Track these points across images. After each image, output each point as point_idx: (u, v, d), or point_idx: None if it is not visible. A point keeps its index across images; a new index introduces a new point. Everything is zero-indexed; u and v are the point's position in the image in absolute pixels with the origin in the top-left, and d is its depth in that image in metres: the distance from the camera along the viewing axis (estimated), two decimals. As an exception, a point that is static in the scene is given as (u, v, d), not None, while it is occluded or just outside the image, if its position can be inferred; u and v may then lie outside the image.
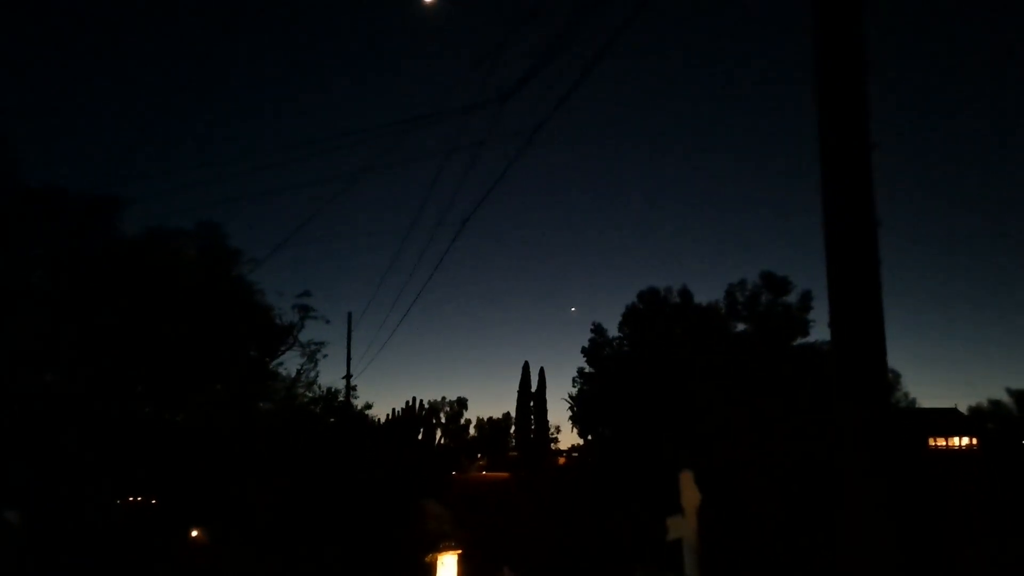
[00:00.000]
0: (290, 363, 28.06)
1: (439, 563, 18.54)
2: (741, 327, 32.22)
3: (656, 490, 17.18)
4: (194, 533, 20.08)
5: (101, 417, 18.54)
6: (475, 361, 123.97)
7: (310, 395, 28.82)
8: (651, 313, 34.04)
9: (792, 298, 31.58)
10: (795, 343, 30.73)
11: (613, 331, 36.52)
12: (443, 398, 77.07)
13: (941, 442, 45.78)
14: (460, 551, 19.17)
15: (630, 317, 35.20)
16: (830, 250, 5.13)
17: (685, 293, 34.38)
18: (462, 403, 78.33)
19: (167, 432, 20.80)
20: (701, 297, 34.32)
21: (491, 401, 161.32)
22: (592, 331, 37.45)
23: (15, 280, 17.95)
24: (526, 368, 67.42)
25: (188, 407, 22.07)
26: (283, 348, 26.77)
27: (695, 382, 27.21)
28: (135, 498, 21.03)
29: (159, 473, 19.65)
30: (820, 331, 31.02)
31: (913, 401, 45.79)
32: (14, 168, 17.41)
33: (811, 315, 31.01)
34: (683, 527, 7.24)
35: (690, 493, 7.33)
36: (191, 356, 20.26)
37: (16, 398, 17.70)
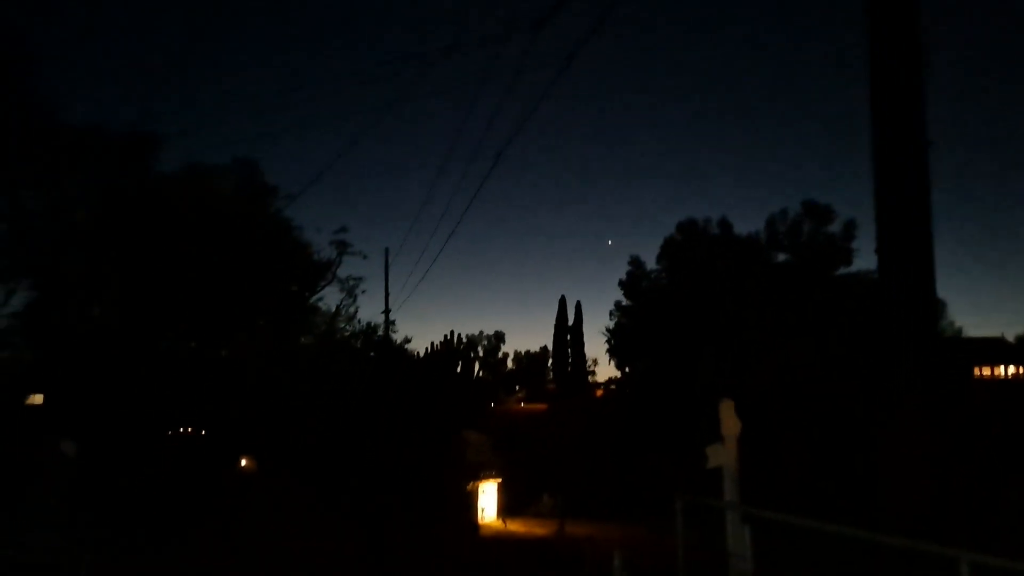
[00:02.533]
0: (329, 299, 28.55)
1: (480, 490, 19.03)
2: (782, 257, 31.81)
3: (694, 420, 17.24)
4: (243, 462, 20.74)
5: (149, 352, 19.05)
6: (512, 295, 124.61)
7: (350, 330, 29.30)
8: (690, 245, 33.68)
9: (835, 227, 31.08)
10: (837, 273, 30.30)
11: (651, 264, 36.33)
12: (481, 332, 77.85)
13: (987, 371, 45.15)
14: (500, 479, 19.61)
15: (668, 249, 34.88)
16: (878, 172, 4.93)
17: (725, 224, 33.90)
18: (499, 337, 79.06)
19: (212, 367, 21.32)
20: (741, 228, 33.87)
21: (528, 335, 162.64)
22: (630, 264, 37.29)
23: (61, 219, 18.28)
24: (563, 302, 67.62)
25: (231, 342, 22.56)
26: (322, 284, 27.10)
27: (734, 313, 27.01)
28: (186, 429, 21.73)
29: (207, 406, 20.23)
30: (863, 260, 30.56)
31: (959, 330, 45.06)
32: (54, 107, 17.55)
33: (854, 244, 30.59)
34: (723, 455, 7.26)
35: (730, 422, 7.31)
36: (232, 292, 20.60)
37: (68, 334, 18.21)
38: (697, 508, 6.66)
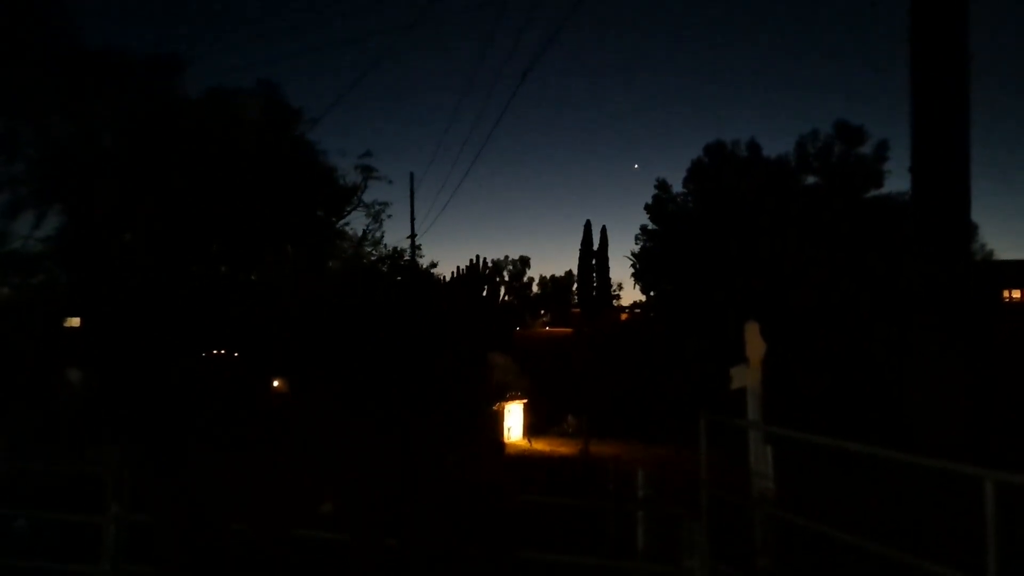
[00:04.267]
0: (356, 224, 28.60)
1: (506, 411, 19.40)
2: (812, 180, 31.27)
3: (718, 342, 17.30)
4: (275, 383, 21.26)
5: (180, 275, 19.37)
6: (537, 220, 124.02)
7: (376, 254, 29.51)
8: (717, 167, 33.14)
9: (867, 149, 30.42)
10: (868, 195, 29.80)
11: (677, 187, 35.84)
12: (506, 256, 77.97)
13: (1016, 295, 44.54)
14: (526, 400, 19.96)
15: (695, 172, 34.36)
16: (916, 85, 4.77)
17: (753, 146, 33.23)
18: (525, 261, 79.15)
19: (243, 290, 21.66)
20: (770, 150, 33.18)
21: (553, 259, 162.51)
22: (656, 187, 36.81)
23: (88, 144, 18.38)
24: (588, 226, 67.30)
25: (261, 266, 22.84)
26: (348, 209, 27.19)
27: (762, 235, 26.77)
28: (218, 351, 22.22)
29: (239, 329, 20.63)
30: (895, 182, 29.99)
31: (990, 253, 44.29)
32: (78, 32, 17.45)
33: (887, 166, 30.00)
34: (747, 376, 7.29)
35: (755, 343, 7.32)
36: (260, 216, 20.75)
37: (100, 259, 18.52)
38: (721, 430, 6.74)
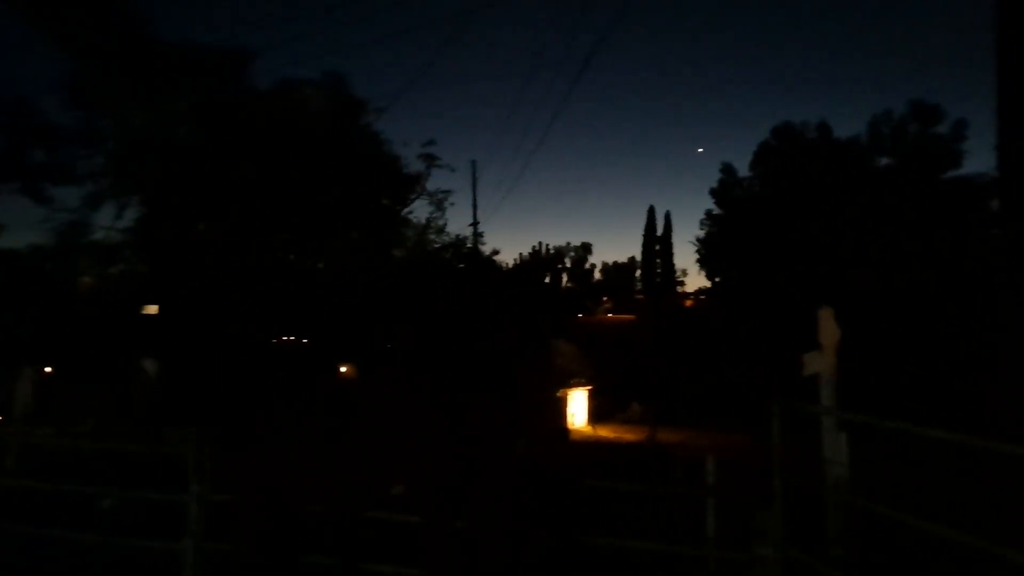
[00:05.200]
0: (419, 212, 28.86)
1: (570, 397, 19.38)
2: (885, 161, 30.29)
3: (787, 328, 16.94)
4: (343, 369, 21.69)
5: (251, 264, 19.89)
6: (600, 206, 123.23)
7: (440, 242, 29.75)
8: (786, 150, 32.34)
9: (944, 128, 29.31)
10: (945, 176, 28.71)
11: (743, 171, 35.18)
12: (568, 243, 77.72)
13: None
14: (590, 387, 19.90)
15: (762, 155, 33.62)
16: (1002, 56, 4.56)
17: (823, 127, 32.31)
18: (587, 248, 78.80)
19: (311, 278, 22.13)
20: (841, 131, 32.27)
21: (616, 246, 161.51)
22: (721, 172, 36.19)
23: (163, 135, 19.02)
24: (651, 211, 66.55)
25: (328, 254, 23.27)
26: (412, 197, 27.44)
27: (832, 218, 26.06)
28: (288, 338, 22.75)
29: (307, 316, 21.09)
30: (974, 162, 28.84)
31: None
32: (152, 26, 18.04)
33: (964, 145, 28.86)
34: (820, 362, 7.12)
35: (829, 329, 7.14)
36: (327, 205, 21.13)
37: (176, 248, 19.16)
38: (792, 417, 6.60)
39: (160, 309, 20.73)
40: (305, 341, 22.64)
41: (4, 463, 9.01)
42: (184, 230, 19.81)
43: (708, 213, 37.46)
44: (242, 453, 4.46)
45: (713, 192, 36.58)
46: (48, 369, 14.91)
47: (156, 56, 17.62)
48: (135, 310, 20.84)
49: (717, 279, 38.52)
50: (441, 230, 29.06)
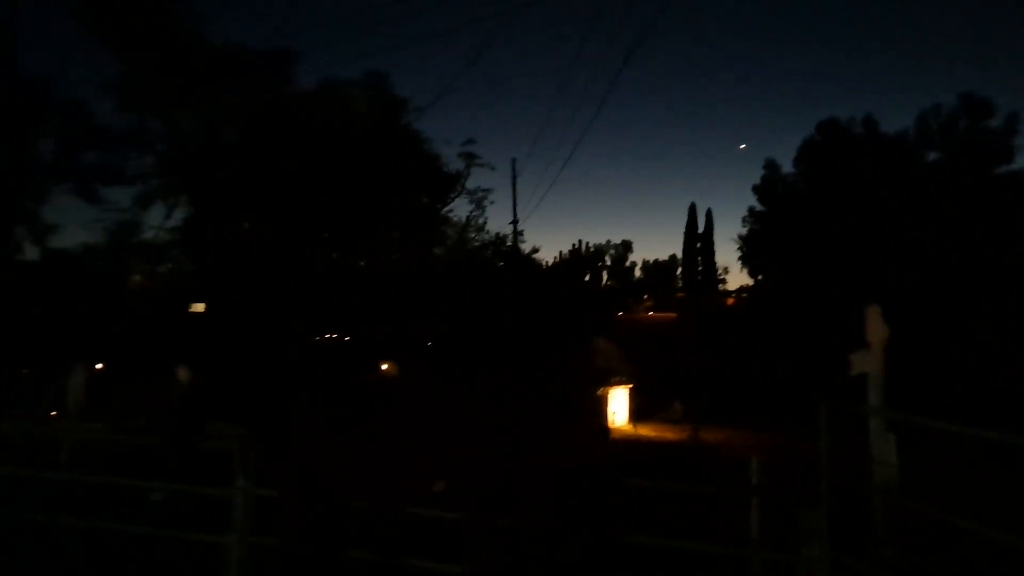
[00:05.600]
0: (459, 210, 28.96)
1: (611, 396, 19.25)
2: (934, 156, 29.58)
3: (834, 327, 16.62)
4: (384, 366, 21.87)
5: (295, 262, 20.16)
6: (640, 204, 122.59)
7: (479, 240, 29.82)
8: (831, 145, 31.77)
9: (995, 122, 28.56)
10: (996, 171, 27.95)
11: (787, 167, 34.66)
12: (608, 241, 77.46)
13: None
14: (631, 385, 19.75)
15: (807, 151, 33.07)
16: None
17: (870, 122, 31.68)
18: (627, 246, 78.42)
19: (353, 275, 22.36)
20: (888, 126, 31.65)
21: (656, 243, 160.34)
22: (764, 168, 35.69)
23: (210, 136, 19.40)
24: (692, 209, 65.90)
25: (369, 252, 23.50)
26: (452, 195, 27.55)
27: (878, 215, 25.53)
28: (330, 335, 23.02)
29: (349, 313, 21.31)
30: (1027, 157, 28.05)
31: None
32: (200, 29, 18.38)
33: (1017, 140, 28.10)
34: (868, 361, 6.97)
35: (877, 327, 6.99)
36: (369, 204, 21.34)
37: (222, 247, 19.51)
38: (839, 417, 6.50)
39: (206, 307, 21.13)
40: (347, 339, 22.88)
41: (58, 457, 9.27)
42: (229, 229, 20.17)
43: (751, 210, 37.00)
44: (286, 449, 4.52)
45: (756, 189, 36.11)
46: (99, 366, 15.27)
47: (204, 58, 17.97)
48: (183, 308, 21.28)
49: (760, 277, 38.03)
50: (481, 228, 29.16)
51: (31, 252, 20.10)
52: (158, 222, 20.77)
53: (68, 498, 7.49)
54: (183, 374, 12.53)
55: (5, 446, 9.88)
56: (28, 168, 18.13)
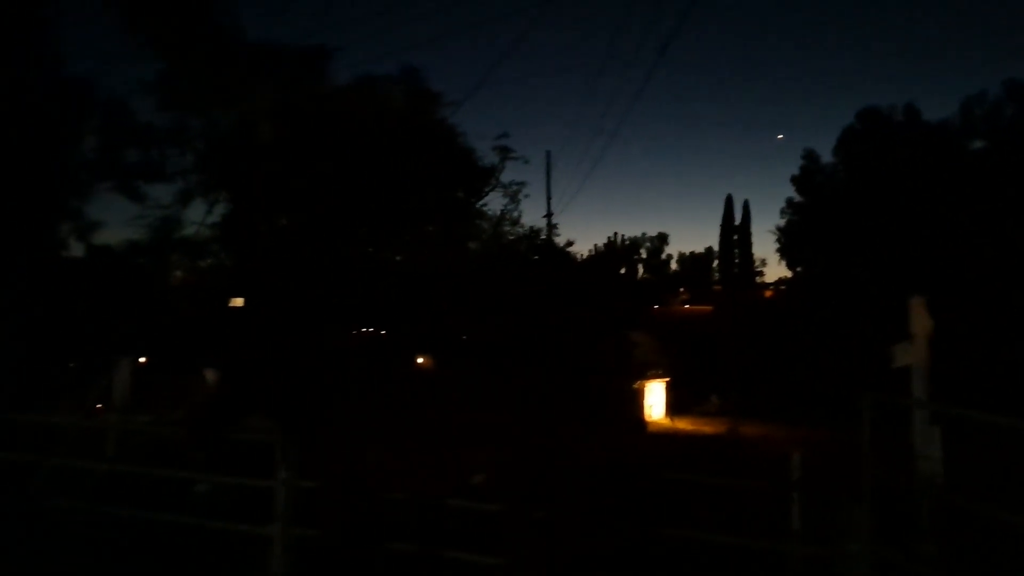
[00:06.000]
0: (493, 204, 28.98)
1: (647, 389, 19.18)
2: (979, 145, 28.91)
3: (875, 319, 16.36)
4: (420, 360, 22.02)
5: (331, 257, 20.36)
6: (676, 196, 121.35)
7: (514, 234, 29.81)
8: (871, 134, 31.21)
9: (1043, 108, 27.84)
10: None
11: (826, 157, 34.15)
12: (643, 234, 76.87)
13: None
14: (668, 379, 19.66)
15: (846, 140, 32.55)
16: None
17: (911, 110, 31.06)
18: (663, 238, 77.80)
19: (389, 270, 22.51)
20: (931, 115, 30.99)
21: (692, 236, 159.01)
22: (803, 158, 35.24)
23: (248, 133, 19.66)
24: (729, 200, 65.17)
25: (404, 247, 23.63)
26: (486, 190, 27.57)
27: (921, 204, 25.02)
28: (366, 330, 23.20)
29: (385, 308, 21.46)
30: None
31: None
32: (238, 28, 18.62)
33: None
34: (911, 354, 6.84)
35: (921, 319, 6.85)
36: (404, 199, 21.47)
37: (259, 242, 19.77)
38: (880, 411, 6.40)
39: (245, 302, 21.44)
40: (383, 333, 23.05)
41: (105, 449, 9.47)
42: (267, 225, 20.44)
43: (789, 201, 36.56)
44: (327, 442, 4.58)
45: (794, 179, 35.66)
46: (143, 360, 15.57)
47: (241, 56, 18.20)
48: (223, 303, 21.62)
49: (798, 269, 37.56)
50: (515, 222, 29.13)
51: (76, 248, 20.57)
52: (199, 218, 21.15)
53: (115, 489, 7.66)
54: (211, 374, 12.70)
55: (54, 438, 10.16)
56: (72, 166, 18.51)
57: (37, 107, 15.14)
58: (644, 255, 76.51)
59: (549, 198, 29.84)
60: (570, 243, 37.08)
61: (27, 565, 6.30)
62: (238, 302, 21.51)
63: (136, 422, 10.67)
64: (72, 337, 18.16)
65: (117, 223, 42.60)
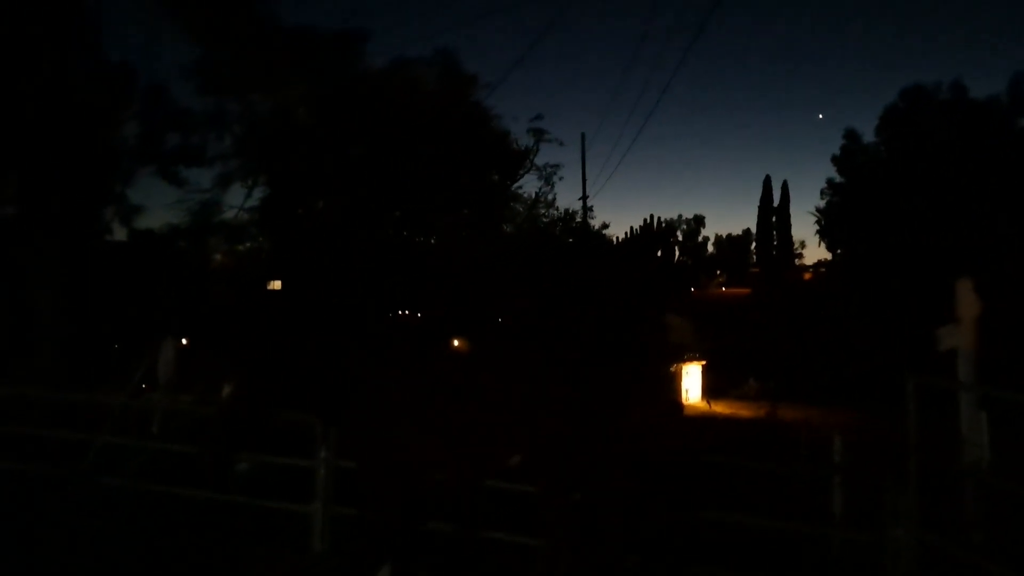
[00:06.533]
0: (528, 186, 28.86)
1: (684, 373, 19.07)
2: (1028, 122, 28.09)
3: (920, 302, 16.03)
4: (455, 342, 22.11)
5: (368, 240, 20.49)
6: (713, 177, 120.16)
7: (549, 217, 29.70)
8: (916, 113, 30.45)
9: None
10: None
11: (868, 137, 33.42)
12: (680, 216, 76.27)
13: None
14: (705, 362, 19.53)
15: (890, 119, 31.79)
16: None
17: (958, 87, 30.22)
18: (699, 220, 77.11)
19: (424, 253, 22.61)
20: (978, 92, 30.11)
21: (729, 218, 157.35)
22: (844, 138, 34.53)
23: (285, 118, 19.80)
24: (767, 182, 64.25)
25: (439, 230, 23.66)
26: (521, 172, 27.47)
27: (967, 184, 24.38)
28: (403, 312, 23.35)
29: (420, 291, 21.56)
30: None
31: None
32: (276, 13, 18.72)
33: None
34: (958, 337, 6.67)
35: (969, 301, 6.67)
36: (439, 182, 21.46)
37: (297, 226, 19.96)
38: (925, 395, 6.26)
39: (283, 285, 21.69)
40: (419, 315, 23.18)
41: (149, 428, 9.68)
42: (305, 209, 20.60)
43: (829, 182, 35.90)
44: (365, 425, 4.60)
45: (835, 160, 34.98)
46: (184, 341, 15.85)
47: (278, 40, 18.31)
48: (261, 285, 21.89)
49: (839, 251, 36.93)
50: (550, 204, 29.02)
51: (119, 233, 20.93)
52: (237, 202, 21.39)
53: (160, 466, 7.82)
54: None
55: (102, 417, 10.40)
56: (115, 151, 18.79)
57: (80, 93, 15.44)
58: (681, 237, 75.91)
59: (584, 180, 29.58)
60: (605, 225, 36.90)
61: (77, 541, 6.46)
62: (276, 285, 21.77)
63: (180, 401, 10.88)
64: (116, 319, 18.55)
65: (158, 208, 43.38)
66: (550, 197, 28.82)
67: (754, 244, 69.88)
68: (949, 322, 6.87)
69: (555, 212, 29.85)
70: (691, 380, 18.92)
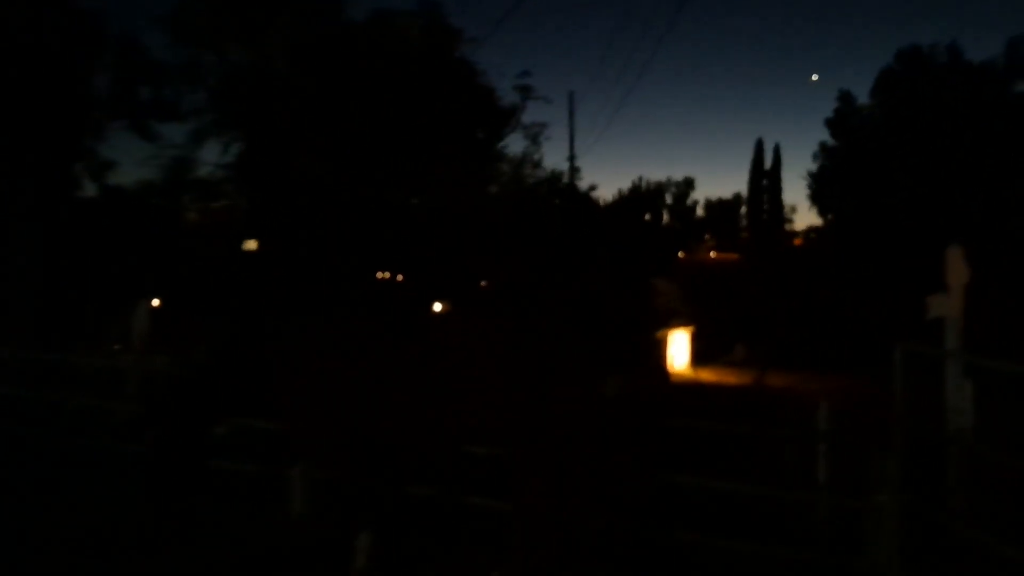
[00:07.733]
0: (514, 146, 28.33)
1: (670, 339, 18.95)
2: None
3: (910, 268, 15.95)
4: (438, 306, 21.89)
5: (349, 200, 20.08)
6: (704, 139, 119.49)
7: (535, 178, 29.25)
8: (911, 75, 30.16)
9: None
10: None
11: (863, 99, 33.15)
12: (669, 178, 75.94)
13: None
14: (692, 328, 19.39)
15: (885, 81, 31.49)
16: None
17: (954, 50, 29.91)
18: (689, 183, 76.83)
19: (408, 214, 22.21)
20: (974, 55, 29.85)
21: (720, 181, 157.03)
22: (838, 100, 34.22)
23: (262, 71, 19.28)
24: (759, 144, 63.65)
25: (422, 190, 23.23)
26: (507, 130, 26.91)
27: (962, 149, 24.23)
28: (383, 273, 22.98)
29: (402, 252, 21.22)
30: None
31: None
32: None
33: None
34: (946, 305, 6.59)
35: (958, 269, 6.58)
36: (423, 140, 21.00)
37: (274, 183, 19.51)
38: (913, 362, 6.18)
39: (259, 244, 21.27)
40: (400, 277, 22.91)
41: (125, 390, 9.53)
42: (282, 166, 20.10)
43: (822, 145, 35.72)
44: (338, 393, 4.45)
45: (828, 122, 34.74)
46: (156, 302, 15.56)
47: None
48: (237, 245, 21.48)
49: (830, 216, 36.87)
50: (537, 165, 28.50)
51: (89, 189, 20.40)
52: (213, 159, 20.91)
53: (136, 429, 7.69)
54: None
55: (75, 378, 10.25)
56: (85, 103, 18.24)
57: (48, 41, 14.91)
58: (670, 200, 75.67)
59: (572, 140, 29.18)
60: (593, 187, 36.54)
61: (52, 500, 6.39)
62: (252, 245, 21.35)
63: (155, 362, 10.70)
64: (87, 278, 18.19)
65: (130, 163, 42.27)
66: (537, 157, 28.33)
67: (744, 208, 69.71)
68: (940, 289, 6.79)
69: (542, 172, 29.42)
70: (678, 346, 18.79)
